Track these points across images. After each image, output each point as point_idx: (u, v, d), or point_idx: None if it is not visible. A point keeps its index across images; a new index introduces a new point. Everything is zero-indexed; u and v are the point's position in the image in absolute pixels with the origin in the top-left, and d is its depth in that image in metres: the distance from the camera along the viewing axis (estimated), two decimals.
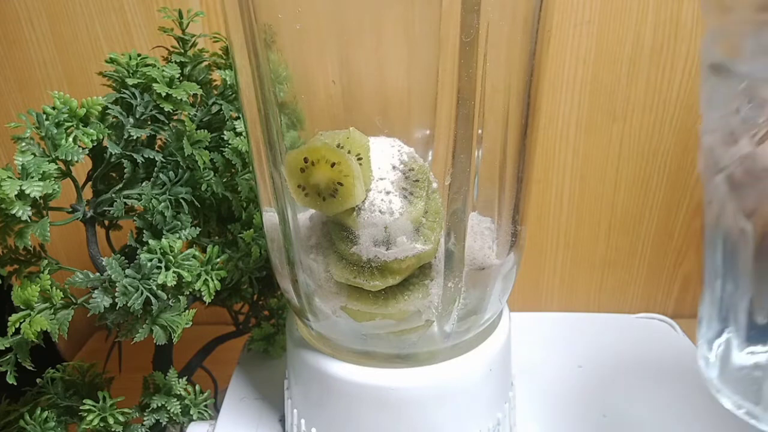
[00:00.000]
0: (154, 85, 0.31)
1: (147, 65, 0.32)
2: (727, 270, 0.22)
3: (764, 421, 0.22)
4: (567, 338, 0.45)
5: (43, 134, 0.28)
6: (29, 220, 0.28)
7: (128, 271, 0.30)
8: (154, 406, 0.35)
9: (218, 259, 0.33)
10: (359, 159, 0.24)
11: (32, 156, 0.28)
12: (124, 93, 0.31)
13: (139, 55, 0.32)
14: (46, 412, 0.33)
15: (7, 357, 0.30)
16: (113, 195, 0.32)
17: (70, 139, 0.29)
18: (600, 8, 0.50)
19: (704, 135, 0.23)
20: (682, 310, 0.64)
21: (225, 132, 0.35)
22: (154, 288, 0.30)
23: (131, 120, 0.31)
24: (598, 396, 0.39)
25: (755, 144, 0.20)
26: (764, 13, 0.19)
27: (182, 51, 0.36)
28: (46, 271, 0.31)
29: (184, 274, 0.30)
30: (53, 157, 0.28)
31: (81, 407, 0.32)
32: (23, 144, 0.28)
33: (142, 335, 0.31)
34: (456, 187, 0.24)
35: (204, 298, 0.32)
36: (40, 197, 0.28)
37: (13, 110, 0.55)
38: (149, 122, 0.32)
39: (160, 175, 0.33)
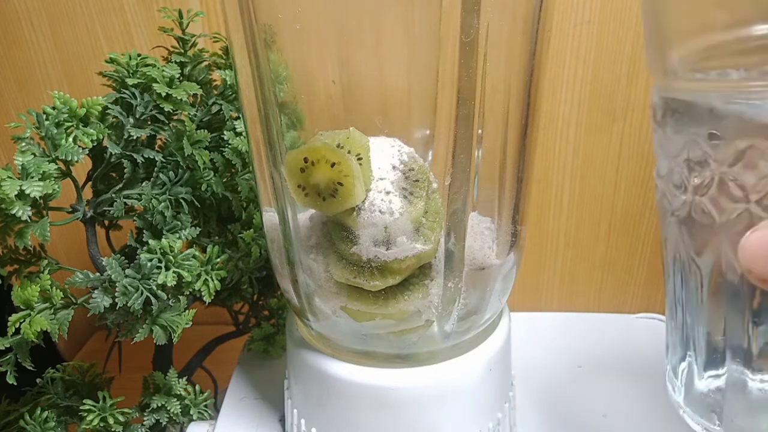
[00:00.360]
0: (154, 85, 0.31)
1: (147, 65, 0.32)
2: (685, 301, 0.23)
3: None
4: (567, 338, 0.45)
5: (43, 134, 0.28)
6: (29, 220, 0.28)
7: (128, 271, 0.30)
8: (154, 406, 0.35)
9: (218, 259, 0.33)
10: (359, 159, 0.24)
11: (32, 156, 0.28)
12: (124, 93, 0.31)
13: (139, 55, 0.32)
14: (46, 412, 0.33)
15: (7, 357, 0.30)
16: (113, 195, 0.32)
17: (70, 139, 0.29)
18: (600, 8, 0.50)
19: (657, 179, 0.24)
20: None
21: (225, 132, 0.35)
22: (154, 288, 0.30)
23: (131, 120, 0.31)
24: (598, 396, 0.39)
25: (699, 194, 0.21)
26: (701, 82, 0.21)
27: (182, 51, 0.36)
28: (46, 271, 0.31)
29: (184, 274, 0.30)
30: (53, 157, 0.28)
31: (81, 407, 0.32)
32: (23, 144, 0.28)
33: (142, 335, 0.31)
34: (456, 187, 0.24)
35: (204, 298, 0.32)
36: (40, 197, 0.28)
37: (13, 110, 0.55)
38: (149, 122, 0.32)
39: (160, 175, 0.33)
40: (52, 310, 0.30)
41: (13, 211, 0.27)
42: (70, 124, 0.29)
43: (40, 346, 0.31)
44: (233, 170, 0.36)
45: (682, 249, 0.23)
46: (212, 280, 0.32)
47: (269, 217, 0.29)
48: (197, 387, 0.37)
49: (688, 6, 0.20)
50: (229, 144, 0.35)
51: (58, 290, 0.30)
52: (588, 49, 0.51)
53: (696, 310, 0.23)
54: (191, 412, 0.36)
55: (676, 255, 0.23)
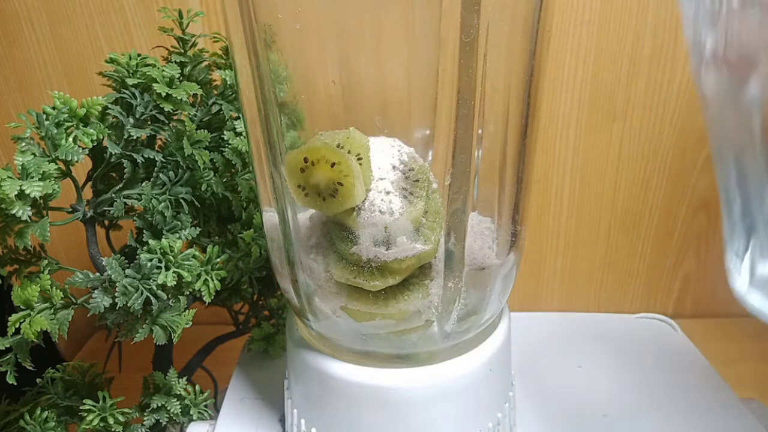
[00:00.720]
0: (154, 85, 0.31)
1: (147, 65, 0.32)
2: (741, 181, 0.22)
3: None
4: (567, 338, 0.45)
5: (43, 134, 0.28)
6: (29, 220, 0.28)
7: (128, 271, 0.30)
8: (154, 406, 0.35)
9: (218, 259, 0.33)
10: (359, 159, 0.24)
11: (32, 156, 0.28)
12: (124, 93, 0.31)
13: (139, 55, 0.32)
14: (46, 412, 0.33)
15: (7, 357, 0.30)
16: (113, 195, 0.32)
17: (70, 139, 0.29)
18: (600, 8, 0.50)
19: (685, 24, 0.22)
20: (682, 310, 0.64)
21: (225, 132, 0.35)
22: (154, 288, 0.30)
23: (131, 120, 0.31)
24: (598, 396, 0.39)
25: (734, 18, 0.19)
26: None
27: (182, 51, 0.36)
28: (46, 271, 0.31)
29: (184, 274, 0.30)
30: (53, 157, 0.28)
31: (81, 407, 0.32)
32: (23, 144, 0.28)
33: (142, 335, 0.31)
34: (456, 187, 0.24)
35: (204, 298, 0.32)
36: (40, 197, 0.28)
37: (13, 110, 0.55)
38: (149, 122, 0.32)
39: (160, 175, 0.33)
40: (52, 310, 0.30)
41: (13, 211, 0.27)
42: (70, 124, 0.29)
43: (40, 346, 0.31)
44: (233, 170, 0.36)
45: (727, 101, 0.21)
46: (212, 280, 0.32)
47: (269, 217, 0.29)
48: (197, 387, 0.37)
49: None
50: (229, 144, 0.35)
51: (58, 290, 0.30)
52: (588, 49, 0.51)
53: (756, 183, 0.22)
54: (191, 412, 0.36)
55: (721, 124, 0.22)
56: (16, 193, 0.26)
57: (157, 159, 0.32)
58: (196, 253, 0.32)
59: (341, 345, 0.29)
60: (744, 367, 0.54)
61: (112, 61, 0.32)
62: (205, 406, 0.36)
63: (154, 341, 0.31)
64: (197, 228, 0.33)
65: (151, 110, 0.32)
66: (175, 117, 0.33)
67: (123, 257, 0.31)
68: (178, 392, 0.36)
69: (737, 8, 0.19)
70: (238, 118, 0.36)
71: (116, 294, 0.30)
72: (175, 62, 0.34)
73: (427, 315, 0.27)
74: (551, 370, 0.42)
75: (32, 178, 0.27)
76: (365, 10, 0.25)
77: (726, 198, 0.23)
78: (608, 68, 0.52)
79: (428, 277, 0.27)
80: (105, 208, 0.32)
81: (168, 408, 0.35)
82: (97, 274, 0.31)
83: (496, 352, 0.29)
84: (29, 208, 0.27)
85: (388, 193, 0.25)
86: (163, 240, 0.31)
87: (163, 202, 0.32)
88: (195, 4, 0.51)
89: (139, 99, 0.31)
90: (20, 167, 0.27)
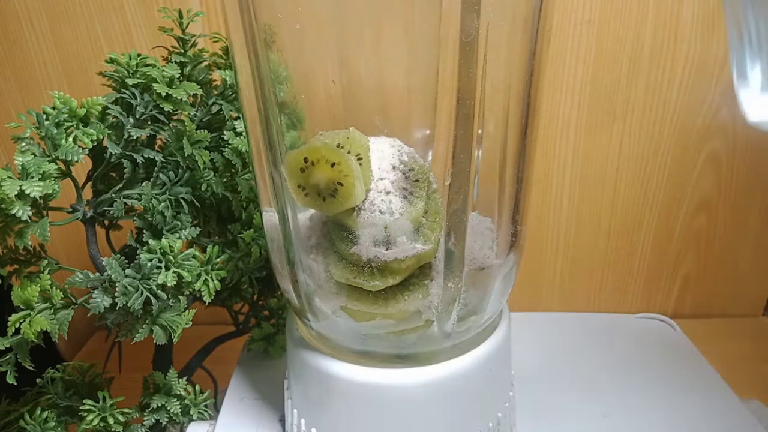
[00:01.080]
0: (154, 85, 0.31)
1: (147, 65, 0.32)
2: None
3: None
4: (567, 338, 0.45)
5: (43, 134, 0.28)
6: (29, 220, 0.28)
7: (128, 271, 0.30)
8: (154, 406, 0.35)
9: (218, 259, 0.33)
10: (359, 159, 0.24)
11: (32, 156, 0.28)
12: (124, 93, 0.31)
13: (139, 55, 0.32)
14: (46, 412, 0.33)
15: (7, 357, 0.30)
16: (113, 195, 0.32)
17: (70, 139, 0.29)
18: (600, 8, 0.50)
19: None
20: (682, 310, 0.64)
21: (225, 132, 0.35)
22: (154, 288, 0.30)
23: (131, 120, 0.31)
24: (598, 396, 0.39)
25: None
26: None
27: (182, 51, 0.36)
28: (46, 271, 0.31)
29: (184, 274, 0.30)
30: (53, 157, 0.28)
31: (81, 407, 0.32)
32: (23, 144, 0.28)
33: (142, 335, 0.31)
34: (456, 187, 0.24)
35: (204, 298, 0.32)
36: (40, 197, 0.28)
37: (13, 110, 0.55)
38: (149, 122, 0.32)
39: (160, 175, 0.33)
40: (52, 310, 0.30)
41: (13, 211, 0.27)
42: (70, 124, 0.29)
43: (40, 346, 0.31)
44: (233, 170, 0.36)
45: None
46: (212, 280, 0.32)
47: (269, 217, 0.29)
48: (197, 387, 0.37)
49: None
50: (229, 144, 0.35)
51: (58, 290, 0.30)
52: (588, 49, 0.51)
53: None
54: (191, 412, 0.36)
55: None
56: (16, 193, 0.26)
57: (157, 159, 0.32)
58: (196, 253, 0.32)
59: (341, 345, 0.29)
60: (744, 367, 0.54)
61: (112, 61, 0.32)
62: (205, 406, 0.36)
63: (154, 341, 0.31)
64: (197, 228, 0.33)
65: (151, 110, 0.32)
66: (175, 117, 0.33)
67: (123, 257, 0.31)
68: (178, 392, 0.36)
69: None
70: (238, 118, 0.36)
71: (116, 294, 0.30)
72: (175, 62, 0.34)
73: (427, 315, 0.27)
74: (551, 370, 0.42)
75: (32, 178, 0.27)
76: (365, 10, 0.25)
77: (734, 14, 0.23)
78: (608, 68, 0.52)
79: (428, 277, 0.27)
80: (105, 208, 0.32)
81: (168, 408, 0.35)
82: (97, 274, 0.31)
83: (496, 352, 0.29)
84: (29, 208, 0.27)
85: (388, 193, 0.25)
86: (163, 240, 0.31)
87: (163, 202, 0.32)
88: (195, 4, 0.51)
89: (139, 99, 0.31)
90: (20, 167, 0.27)
